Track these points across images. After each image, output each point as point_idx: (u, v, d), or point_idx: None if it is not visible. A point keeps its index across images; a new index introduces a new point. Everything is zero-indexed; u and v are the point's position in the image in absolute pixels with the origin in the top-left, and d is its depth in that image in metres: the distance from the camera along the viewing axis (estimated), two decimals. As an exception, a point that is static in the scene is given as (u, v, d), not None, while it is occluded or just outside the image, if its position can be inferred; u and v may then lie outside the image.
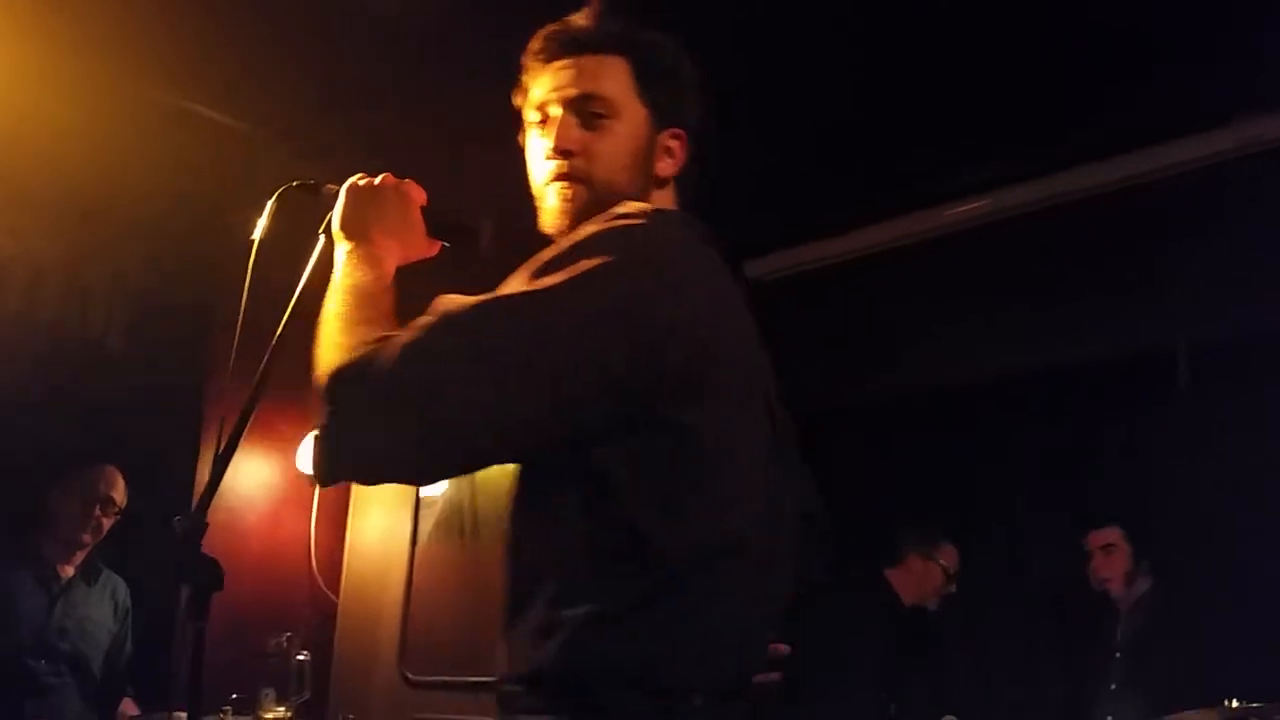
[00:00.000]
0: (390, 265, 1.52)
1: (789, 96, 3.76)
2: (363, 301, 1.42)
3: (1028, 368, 4.55)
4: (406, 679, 4.09)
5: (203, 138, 3.94)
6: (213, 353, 4.52)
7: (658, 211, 1.46)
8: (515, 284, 1.31)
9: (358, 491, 4.66)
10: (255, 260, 1.66)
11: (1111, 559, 4.15)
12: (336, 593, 4.56)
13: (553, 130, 1.55)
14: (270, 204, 1.62)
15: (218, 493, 4.69)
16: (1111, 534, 4.16)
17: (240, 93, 3.83)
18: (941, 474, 4.85)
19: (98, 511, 3.67)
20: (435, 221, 1.62)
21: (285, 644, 3.81)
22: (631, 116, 1.56)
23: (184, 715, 3.28)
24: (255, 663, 3.79)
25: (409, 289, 1.56)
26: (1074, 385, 4.53)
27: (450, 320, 1.27)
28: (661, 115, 1.58)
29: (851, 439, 4.71)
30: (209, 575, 1.39)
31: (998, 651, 4.83)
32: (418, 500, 4.37)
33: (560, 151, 1.53)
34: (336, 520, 4.68)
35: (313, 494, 4.69)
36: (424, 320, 1.28)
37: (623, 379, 1.28)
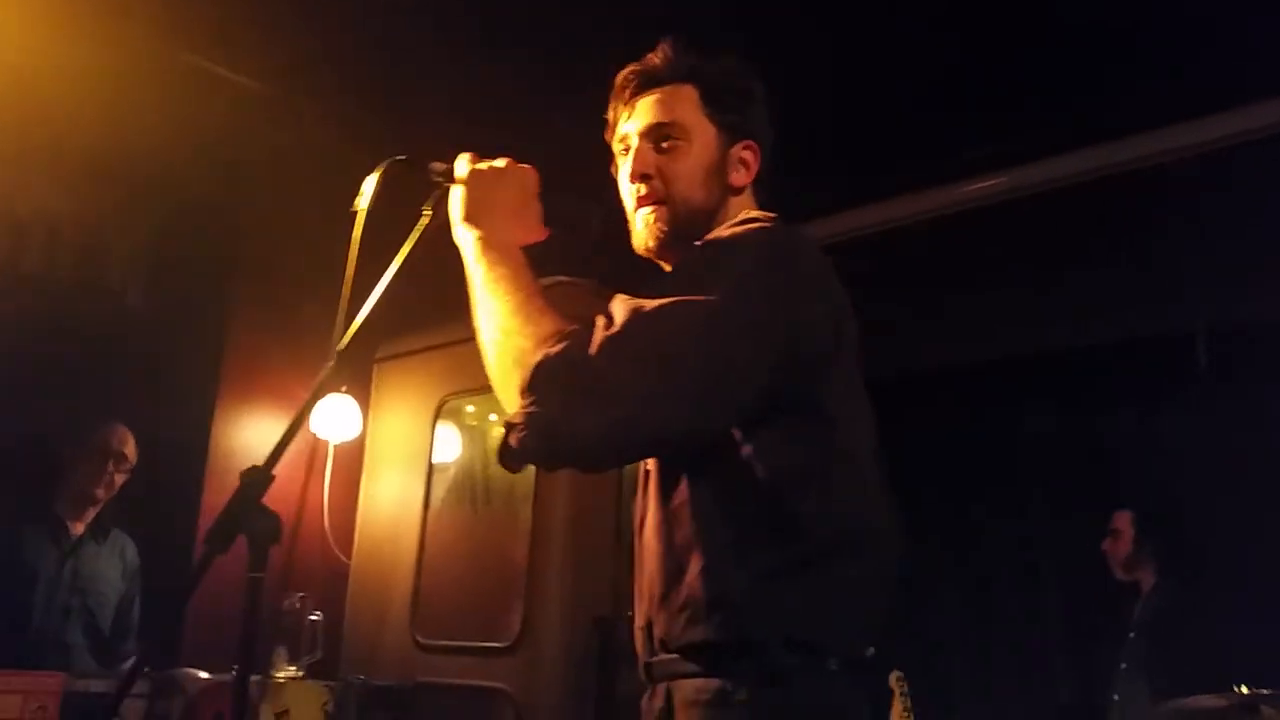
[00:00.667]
0: (518, 250, 1.60)
1: (794, 73, 3.73)
2: (528, 290, 1.53)
3: (1044, 348, 4.53)
4: (417, 642, 4.11)
5: (221, 98, 3.93)
6: (231, 311, 4.54)
7: (777, 217, 1.63)
8: (675, 286, 1.46)
9: (371, 455, 4.68)
10: (353, 231, 1.64)
11: (1116, 544, 4.18)
12: (349, 555, 4.58)
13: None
14: (375, 175, 1.63)
15: (230, 454, 4.67)
16: (1121, 519, 4.19)
17: (259, 54, 3.82)
18: (956, 451, 4.85)
19: (110, 467, 3.68)
20: (550, 208, 1.68)
21: (298, 604, 3.83)
22: (702, 136, 1.73)
23: (192, 672, 3.32)
24: (268, 622, 3.82)
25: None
26: (1092, 367, 4.51)
27: (640, 320, 1.41)
28: (732, 131, 1.75)
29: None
30: (269, 528, 1.40)
31: (1003, 626, 4.85)
32: (430, 465, 4.37)
33: (639, 175, 1.71)
34: (349, 483, 4.70)
35: (326, 456, 4.71)
36: (612, 320, 1.42)
37: (776, 370, 1.45)
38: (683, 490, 1.51)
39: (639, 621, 1.61)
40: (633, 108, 1.76)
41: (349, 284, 1.57)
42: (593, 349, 1.38)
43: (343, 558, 4.58)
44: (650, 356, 1.39)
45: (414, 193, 1.70)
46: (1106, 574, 4.24)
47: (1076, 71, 3.69)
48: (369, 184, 1.62)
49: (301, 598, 3.91)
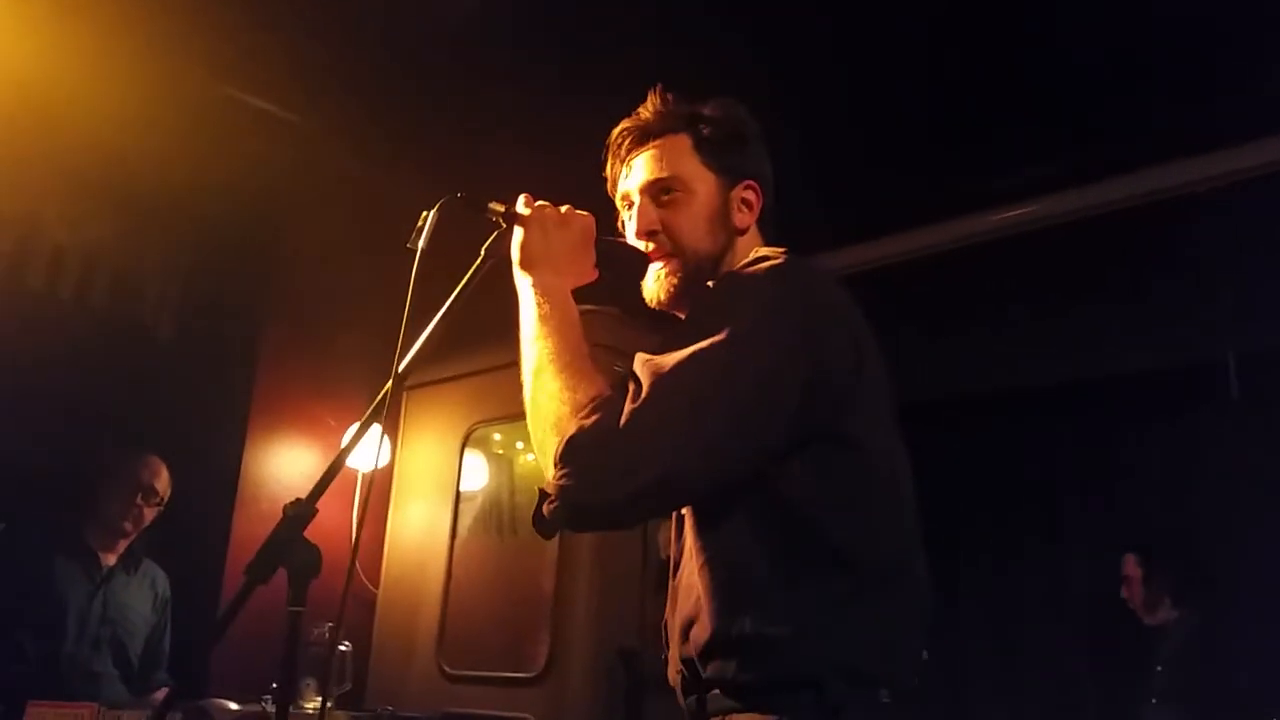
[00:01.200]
0: (570, 300, 1.65)
1: (822, 101, 3.75)
2: (573, 350, 1.56)
3: (1073, 377, 4.50)
4: (444, 672, 4.11)
5: (256, 130, 3.98)
6: (262, 341, 4.57)
7: (787, 251, 1.63)
8: (692, 334, 1.48)
9: (398, 484, 4.69)
10: (413, 270, 1.65)
11: (1131, 588, 4.17)
12: (376, 584, 4.58)
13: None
14: (430, 214, 1.63)
15: (261, 484, 4.65)
16: (1128, 563, 4.17)
17: (293, 86, 3.87)
18: (985, 481, 4.81)
19: (140, 501, 3.69)
20: (604, 252, 1.73)
21: (327, 634, 3.83)
22: (701, 184, 1.76)
23: (221, 703, 3.32)
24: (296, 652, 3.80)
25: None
26: (1120, 396, 4.48)
27: (660, 383, 1.44)
28: (730, 174, 1.77)
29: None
30: (309, 561, 1.42)
31: (1029, 660, 4.80)
32: (457, 495, 4.38)
33: (645, 232, 1.75)
34: (377, 512, 4.70)
35: (355, 485, 4.72)
36: (640, 386, 1.44)
37: (803, 406, 1.46)
38: (723, 530, 1.51)
39: (676, 665, 1.60)
40: (630, 165, 1.80)
41: (406, 322, 1.58)
42: (622, 420, 1.41)
43: (370, 587, 4.58)
44: (674, 415, 1.42)
45: (464, 228, 1.71)
46: (1128, 608, 4.21)
47: (1104, 100, 3.69)
48: (426, 223, 1.62)
49: (330, 627, 3.90)
